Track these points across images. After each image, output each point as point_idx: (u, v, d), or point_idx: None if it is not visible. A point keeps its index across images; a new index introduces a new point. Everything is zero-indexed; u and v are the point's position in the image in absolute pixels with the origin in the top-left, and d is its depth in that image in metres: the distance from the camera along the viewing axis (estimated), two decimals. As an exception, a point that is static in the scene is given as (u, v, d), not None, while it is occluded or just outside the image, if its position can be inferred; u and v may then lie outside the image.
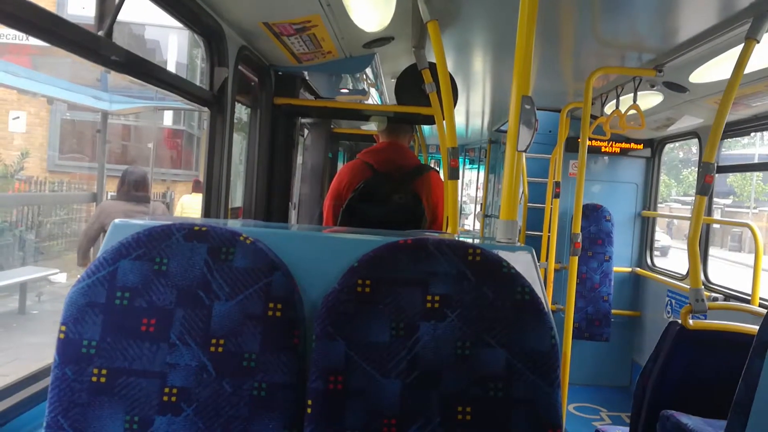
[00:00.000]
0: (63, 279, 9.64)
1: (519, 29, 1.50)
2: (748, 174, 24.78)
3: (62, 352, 1.23)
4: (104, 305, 1.24)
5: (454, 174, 2.44)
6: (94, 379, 1.22)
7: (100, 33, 1.63)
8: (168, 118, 15.70)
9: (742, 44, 2.35)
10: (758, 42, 2.30)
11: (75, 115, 13.55)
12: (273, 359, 1.24)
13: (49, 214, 10.94)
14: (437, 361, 1.24)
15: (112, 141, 14.21)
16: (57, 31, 1.41)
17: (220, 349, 1.24)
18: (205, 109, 2.49)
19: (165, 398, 1.22)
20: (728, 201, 26.17)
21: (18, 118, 12.82)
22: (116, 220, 1.43)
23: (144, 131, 15.17)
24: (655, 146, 5.33)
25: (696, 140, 4.58)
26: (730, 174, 23.66)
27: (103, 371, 1.22)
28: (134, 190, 5.29)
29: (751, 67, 2.50)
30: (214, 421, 1.22)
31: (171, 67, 14.37)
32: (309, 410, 1.23)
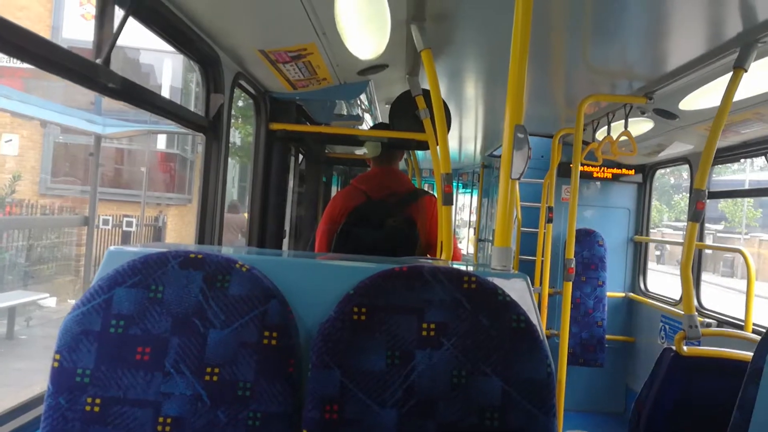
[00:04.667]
0: (53, 303, 9.44)
1: (512, 59, 1.52)
2: (738, 200, 24.90)
3: (56, 380, 1.21)
4: (99, 333, 1.23)
5: (448, 200, 2.45)
6: (88, 408, 1.20)
7: (98, 60, 1.64)
8: (161, 142, 15.69)
9: (731, 73, 2.39)
10: (746, 71, 2.33)
11: (68, 138, 13.42)
12: (268, 388, 1.23)
13: (39, 238, 10.80)
14: (433, 390, 1.24)
15: (106, 164, 14.10)
16: (55, 59, 1.43)
17: (215, 378, 1.23)
18: (200, 133, 2.50)
19: (159, 428, 1.20)
20: (720, 226, 26.26)
21: (11, 141, 12.74)
22: (111, 248, 1.43)
23: (137, 155, 15.10)
24: (647, 172, 5.38)
25: (687, 166, 4.63)
26: (721, 200, 23.79)
27: (97, 400, 1.21)
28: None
29: (739, 95, 2.54)
30: None
31: (165, 91, 14.38)
32: None
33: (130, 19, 1.78)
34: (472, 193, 9.56)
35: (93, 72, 1.60)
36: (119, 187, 14.53)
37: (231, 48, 2.44)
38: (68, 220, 12.01)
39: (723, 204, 25.94)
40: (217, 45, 2.36)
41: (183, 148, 16.45)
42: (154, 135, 14.67)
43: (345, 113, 3.92)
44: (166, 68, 15.27)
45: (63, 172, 13.59)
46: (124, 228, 12.35)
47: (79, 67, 1.54)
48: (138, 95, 1.90)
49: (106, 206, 12.90)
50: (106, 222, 11.84)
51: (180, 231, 15.48)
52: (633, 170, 5.38)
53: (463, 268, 1.37)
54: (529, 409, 1.23)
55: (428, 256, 2.97)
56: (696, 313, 2.61)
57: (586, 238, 5.22)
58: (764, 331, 1.77)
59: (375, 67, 2.89)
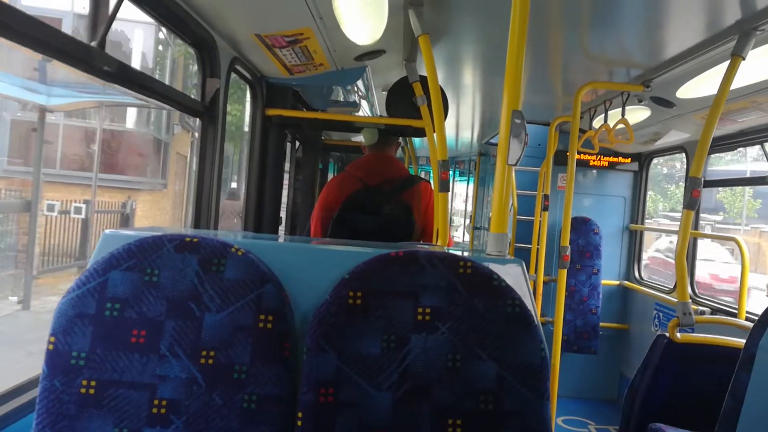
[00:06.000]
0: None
1: (510, 45, 1.52)
2: (737, 190, 24.52)
3: (51, 363, 1.22)
4: (94, 316, 1.23)
5: (444, 186, 2.45)
6: (83, 390, 1.21)
7: (93, 43, 1.63)
8: (131, 121, 14.25)
9: (728, 61, 2.39)
10: (744, 59, 2.33)
11: (30, 115, 11.44)
12: (263, 371, 1.24)
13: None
14: (428, 373, 1.25)
15: (72, 145, 12.85)
16: (50, 41, 1.42)
17: (210, 361, 1.23)
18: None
19: (154, 410, 1.21)
20: (718, 217, 25.75)
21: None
22: (106, 231, 1.42)
23: (110, 134, 13.74)
24: (643, 160, 5.38)
25: (683, 155, 4.64)
26: (720, 190, 23.54)
27: (92, 383, 1.21)
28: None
29: (736, 83, 2.54)
30: None
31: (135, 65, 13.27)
32: (299, 423, 1.23)
33: (126, 2, 1.76)
34: (468, 181, 9.56)
35: (88, 55, 1.59)
36: (76, 169, 12.77)
37: (227, 32, 2.42)
38: (5, 205, 9.76)
39: (721, 194, 25.57)
40: (213, 29, 2.35)
41: (157, 128, 15.02)
42: (122, 114, 13.28)
43: (342, 100, 3.91)
44: (136, 39, 14.05)
45: (23, 153, 11.71)
46: (73, 215, 10.42)
47: (74, 50, 1.53)
48: (134, 79, 1.89)
49: (70, 190, 11.60)
50: (51, 208, 9.97)
51: (154, 218, 14.46)
52: (629, 159, 5.39)
53: (459, 253, 1.38)
54: (523, 393, 1.24)
55: (422, 241, 2.97)
56: (690, 301, 2.63)
57: (582, 226, 5.24)
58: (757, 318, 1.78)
59: (372, 53, 2.88)
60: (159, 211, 14.84)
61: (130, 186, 13.55)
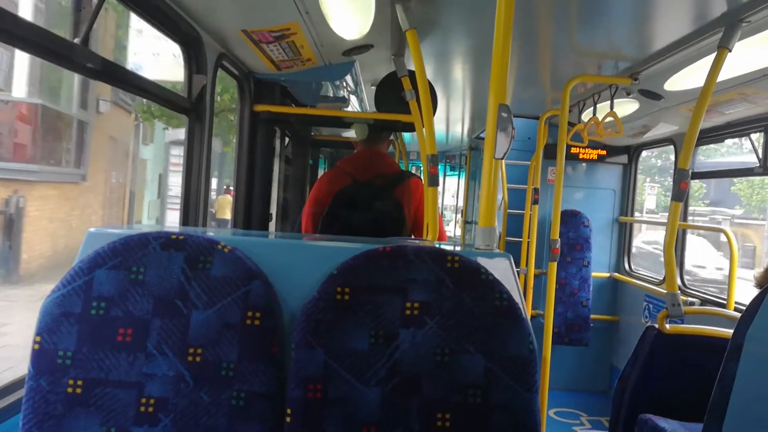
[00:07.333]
0: None
1: (495, 38, 1.51)
2: (756, 182, 23.30)
3: (37, 362, 1.21)
4: (80, 315, 1.22)
5: (433, 181, 2.45)
6: (70, 390, 1.20)
7: (76, 40, 1.61)
8: (20, 88, 10.05)
9: (715, 53, 2.40)
10: (730, 51, 2.34)
11: None
12: (251, 368, 1.24)
13: None
14: (417, 368, 1.25)
15: None
16: (33, 38, 1.40)
17: (197, 359, 1.23)
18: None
19: (142, 409, 1.20)
20: (738, 211, 24.08)
21: None
22: (91, 229, 1.41)
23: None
24: (632, 153, 5.40)
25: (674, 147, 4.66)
26: (735, 182, 22.95)
27: (79, 382, 1.20)
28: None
29: (723, 75, 2.55)
30: (191, 431, 1.20)
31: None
32: (288, 419, 1.23)
33: (109, -2, 1.75)
34: (459, 175, 9.56)
35: (71, 51, 1.58)
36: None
37: (213, 28, 2.40)
38: None
39: (737, 185, 24.27)
40: (199, 25, 2.33)
41: (67, 102, 11.13)
42: (8, 78, 9.58)
43: (331, 95, 3.89)
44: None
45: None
46: None
47: (57, 47, 1.52)
48: (118, 76, 1.88)
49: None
50: None
51: (67, 219, 10.55)
52: (619, 151, 5.41)
53: (448, 247, 1.38)
54: (511, 386, 1.25)
55: (413, 236, 2.97)
56: (679, 292, 2.64)
57: (572, 219, 5.26)
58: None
59: (360, 48, 2.87)
60: (76, 210, 11.24)
61: (18, 177, 9.70)
